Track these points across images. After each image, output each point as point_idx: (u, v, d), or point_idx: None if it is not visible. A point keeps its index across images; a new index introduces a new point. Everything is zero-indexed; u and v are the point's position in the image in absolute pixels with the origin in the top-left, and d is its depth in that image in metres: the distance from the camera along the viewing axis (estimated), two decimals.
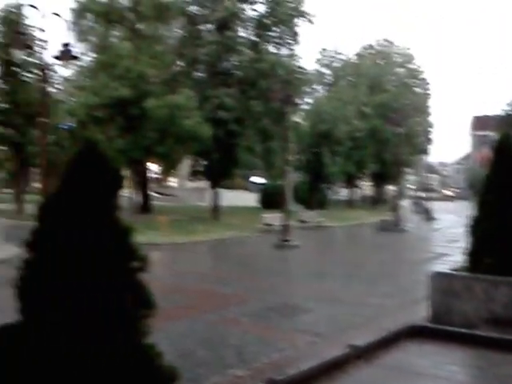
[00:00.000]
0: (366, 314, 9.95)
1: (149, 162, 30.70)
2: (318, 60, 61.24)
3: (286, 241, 21.49)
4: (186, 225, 28.18)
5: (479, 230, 9.00)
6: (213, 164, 31.90)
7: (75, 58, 21.44)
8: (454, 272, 8.99)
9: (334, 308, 10.56)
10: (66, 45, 20.07)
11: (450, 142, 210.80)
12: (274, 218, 27.07)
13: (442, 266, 10.35)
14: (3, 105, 32.65)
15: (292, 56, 34.90)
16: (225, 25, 32.75)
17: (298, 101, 31.42)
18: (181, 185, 56.09)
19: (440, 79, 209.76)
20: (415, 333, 7.70)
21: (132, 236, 3.21)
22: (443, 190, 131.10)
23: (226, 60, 32.24)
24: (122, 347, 2.90)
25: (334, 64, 61.52)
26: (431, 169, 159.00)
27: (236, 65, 31.93)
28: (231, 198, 47.28)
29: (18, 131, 31.98)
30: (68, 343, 2.80)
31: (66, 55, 20.01)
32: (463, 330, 7.64)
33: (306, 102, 45.57)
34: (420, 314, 8.70)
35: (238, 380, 6.12)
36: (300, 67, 34.02)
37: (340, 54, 62.06)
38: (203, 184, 36.09)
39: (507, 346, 7.05)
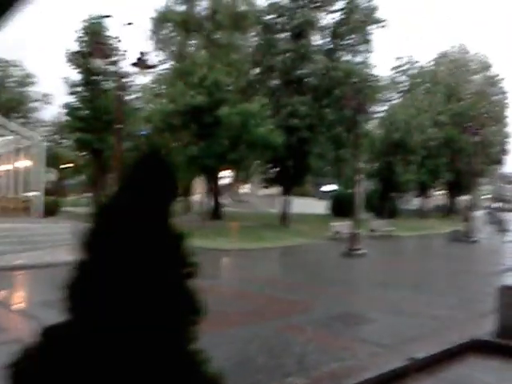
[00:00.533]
0: (431, 326, 9.79)
1: (222, 168, 31.17)
2: (394, 67, 60.41)
3: (354, 249, 21.34)
4: (256, 231, 28.52)
5: None
6: (285, 171, 32.13)
7: (151, 66, 22.27)
8: None
9: (397, 319, 10.43)
10: (142, 54, 20.90)
11: None
12: (343, 226, 26.93)
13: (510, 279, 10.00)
14: (84, 112, 34.23)
15: (365, 64, 34.63)
16: (300, 33, 32.99)
17: (370, 109, 31.04)
18: (253, 192, 56.71)
19: None
20: (479, 347, 7.53)
21: (185, 242, 3.26)
22: None
23: (300, 68, 32.39)
24: (168, 352, 3.00)
25: (410, 71, 60.44)
26: (509, 179, 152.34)
27: (310, 73, 32.02)
28: (301, 205, 47.33)
29: (97, 137, 33.41)
30: (115, 346, 2.86)
31: (142, 64, 20.84)
32: None
33: (380, 109, 44.84)
34: (487, 327, 8.48)
35: None
36: (373, 75, 33.68)
37: (416, 61, 60.99)
38: (275, 191, 36.35)
39: None
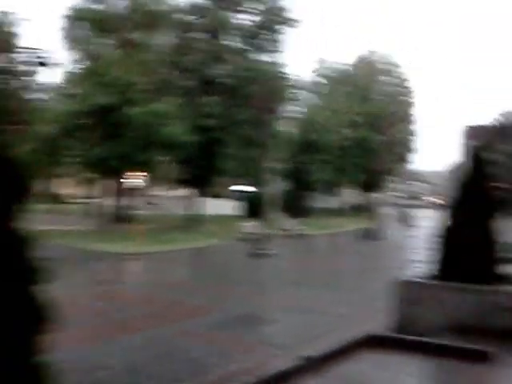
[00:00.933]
0: (333, 324, 9.91)
1: (131, 170, 30.26)
2: (316, 70, 61.76)
3: (263, 249, 21.35)
4: (164, 234, 27.97)
5: (450, 238, 8.98)
6: (196, 172, 31.78)
7: (56, 65, 21.31)
8: (420, 280, 8.95)
9: (300, 318, 10.48)
10: (44, 52, 19.96)
11: (442, 151, 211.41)
12: (253, 226, 26.95)
13: (413, 274, 10.24)
14: None
15: (277, 64, 34.93)
16: (214, 33, 32.77)
17: (281, 109, 31.32)
18: (166, 193, 55.81)
19: (433, 88, 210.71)
20: (374, 342, 7.60)
21: (31, 246, 3.05)
22: (430, 198, 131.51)
23: (213, 68, 32.17)
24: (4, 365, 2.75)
25: (330, 74, 62.06)
26: (420, 177, 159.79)
27: (222, 73, 31.88)
28: (216, 206, 47.14)
29: None
30: None
31: (47, 62, 19.87)
32: (423, 339, 7.57)
33: (297, 110, 45.39)
34: (387, 322, 8.64)
35: None
36: (284, 75, 33.95)
37: (336, 63, 62.71)
38: (188, 192, 35.82)
39: (467, 355, 6.95)
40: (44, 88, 35.35)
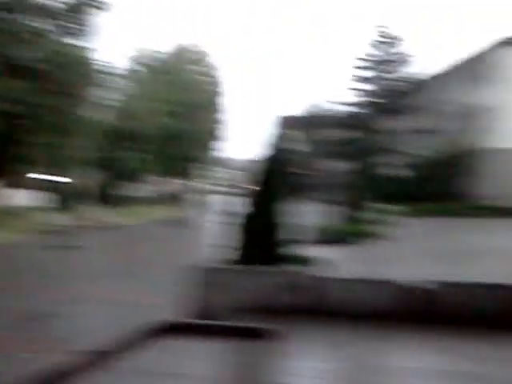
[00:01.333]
0: (126, 314, 9.80)
1: None
2: (133, 57, 60.33)
3: (66, 242, 20.51)
4: None
5: (246, 223, 9.47)
6: None
7: None
8: (212, 265, 9.33)
9: (90, 310, 10.18)
10: None
11: (255, 139, 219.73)
12: (58, 218, 25.75)
13: (212, 258, 10.53)
14: None
15: (86, 48, 33.31)
16: (10, 11, 29.94)
17: (90, 96, 29.86)
18: None
19: (251, 78, 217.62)
20: (167, 330, 7.75)
21: None
22: (243, 185, 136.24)
23: (15, 50, 29.46)
24: None
25: (147, 61, 61.10)
26: (234, 164, 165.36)
27: (25, 56, 29.34)
28: (21, 197, 43.86)
29: None
30: None
31: None
32: (208, 323, 7.91)
33: (111, 98, 43.69)
34: (187, 309, 8.85)
35: None
36: (93, 60, 32.37)
37: (151, 51, 61.86)
38: None
39: (248, 334, 7.45)
40: None
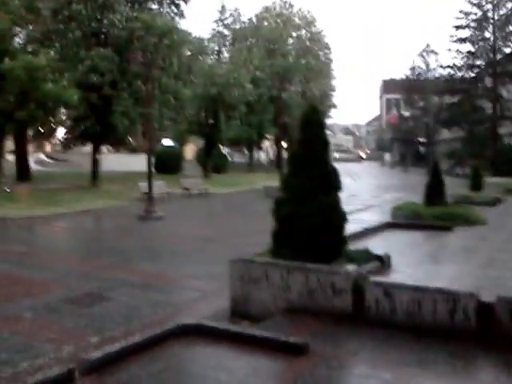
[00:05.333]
0: (175, 303, 9.13)
1: (13, 128, 27.89)
2: (217, 20, 59.43)
3: (152, 212, 20.36)
4: (57, 194, 26.45)
5: (282, 212, 8.27)
6: (90, 129, 29.97)
7: None
8: (252, 258, 8.25)
9: (143, 296, 9.59)
10: None
11: (363, 104, 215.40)
12: (153, 185, 25.69)
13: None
14: None
15: (172, 15, 33.07)
16: None
17: (166, 63, 29.47)
18: (77, 149, 53.47)
19: (355, 43, 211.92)
20: (190, 331, 6.83)
21: None
22: (357, 151, 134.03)
23: (100, 19, 29.87)
24: None
25: (234, 25, 59.93)
26: (345, 130, 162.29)
27: (110, 24, 29.60)
28: (127, 163, 45.38)
29: None
30: None
31: None
32: (232, 328, 6.88)
33: (198, 65, 43.57)
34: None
35: None
36: (176, 28, 31.91)
37: (240, 14, 60.57)
38: (95, 149, 33.71)
39: (280, 348, 6.28)
40: None
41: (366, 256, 8.02)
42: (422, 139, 71.28)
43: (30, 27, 28.09)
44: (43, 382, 5.26)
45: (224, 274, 9.14)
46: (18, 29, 28.00)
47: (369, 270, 7.60)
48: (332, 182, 8.13)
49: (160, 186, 26.55)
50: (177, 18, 33.68)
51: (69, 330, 7.71)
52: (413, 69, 68.38)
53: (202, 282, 10.56)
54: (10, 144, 34.28)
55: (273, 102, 51.07)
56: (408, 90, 69.39)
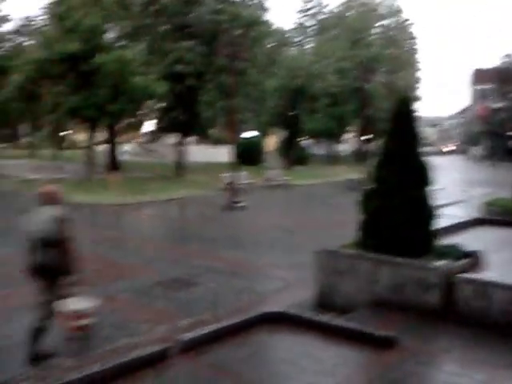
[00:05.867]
0: (258, 291, 9.30)
1: (105, 119, 29.19)
2: (301, 11, 59.00)
3: (235, 202, 20.71)
4: (146, 183, 27.53)
5: (370, 204, 8.19)
6: (176, 120, 30.80)
7: None
8: (339, 249, 8.25)
9: (228, 283, 9.85)
10: None
11: (450, 96, 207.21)
12: (236, 176, 26.08)
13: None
14: None
15: (257, 7, 33.22)
16: None
17: (252, 56, 29.67)
18: (163, 141, 55.18)
19: (443, 33, 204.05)
20: (275, 320, 6.95)
21: None
22: (442, 145, 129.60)
23: (188, 12, 30.53)
24: None
25: (318, 16, 59.24)
26: (429, 123, 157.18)
27: (197, 16, 30.20)
28: (211, 153, 46.21)
29: None
30: None
31: None
32: (318, 319, 6.91)
33: (281, 56, 43.63)
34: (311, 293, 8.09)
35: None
36: (261, 19, 32.03)
37: (325, 5, 59.84)
38: (180, 140, 34.74)
39: (369, 341, 6.26)
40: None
41: (457, 252, 7.79)
42: None
43: (121, 22, 29.10)
44: (142, 357, 5.57)
45: (306, 264, 9.25)
46: (109, 24, 29.17)
47: (460, 267, 7.39)
48: (422, 176, 7.95)
49: (243, 176, 26.93)
50: (260, 11, 33.80)
51: (160, 312, 8.06)
52: (507, 57, 64.78)
53: (284, 271, 10.67)
54: (99, 135, 35.91)
55: (356, 94, 50.33)
56: (501, 79, 65.90)
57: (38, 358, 6.03)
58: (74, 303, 6.25)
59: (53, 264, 6.15)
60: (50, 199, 6.43)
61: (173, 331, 6.82)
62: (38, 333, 6.11)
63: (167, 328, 7.12)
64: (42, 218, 6.21)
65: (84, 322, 6.28)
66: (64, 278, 6.27)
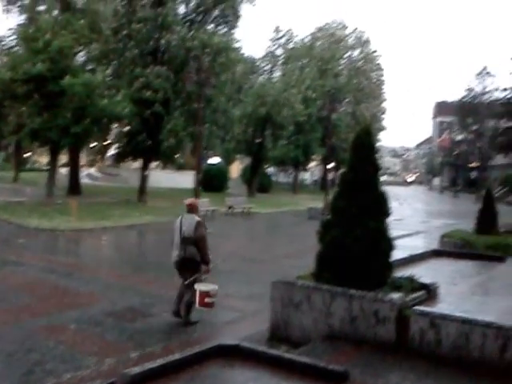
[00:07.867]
0: (214, 322, 9.13)
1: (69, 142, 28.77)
2: (271, 39, 59.96)
3: None
4: (105, 209, 27.08)
5: (328, 235, 8.16)
6: (140, 145, 30.59)
7: None
8: (295, 281, 8.16)
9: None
10: None
11: (414, 127, 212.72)
12: (202, 201, 25.96)
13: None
14: None
15: (226, 36, 33.56)
16: (160, 1, 31.15)
17: (220, 83, 29.89)
18: (126, 165, 54.73)
19: (407, 66, 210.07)
20: (228, 352, 6.78)
21: None
22: (406, 175, 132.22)
23: (157, 38, 30.64)
24: None
25: (288, 45, 60.19)
26: (393, 153, 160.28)
27: (167, 43, 30.35)
28: (175, 179, 45.99)
29: None
30: None
31: None
32: (271, 352, 6.75)
33: (250, 84, 44.07)
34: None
35: None
36: (230, 46, 32.34)
37: (294, 35, 60.85)
38: (143, 165, 34.43)
39: (312, 372, 6.14)
40: None
41: (412, 284, 7.80)
42: (474, 164, 69.55)
43: (92, 46, 29.00)
44: None
45: (264, 294, 9.12)
46: (79, 47, 29.07)
47: (414, 299, 7.38)
48: (381, 207, 7.98)
49: (204, 203, 26.80)
50: (230, 37, 34.16)
51: (111, 344, 7.80)
52: (468, 90, 66.71)
53: (242, 302, 10.53)
54: (62, 158, 35.43)
55: (322, 123, 51.00)
56: (462, 112, 67.81)
57: (191, 323, 8.70)
58: (205, 286, 8.54)
59: (193, 257, 8.79)
60: (191, 209, 9.14)
61: (121, 364, 6.59)
62: (190, 306, 8.65)
63: (116, 361, 6.89)
64: (187, 223, 8.86)
65: (212, 299, 8.46)
66: (200, 268, 8.77)
